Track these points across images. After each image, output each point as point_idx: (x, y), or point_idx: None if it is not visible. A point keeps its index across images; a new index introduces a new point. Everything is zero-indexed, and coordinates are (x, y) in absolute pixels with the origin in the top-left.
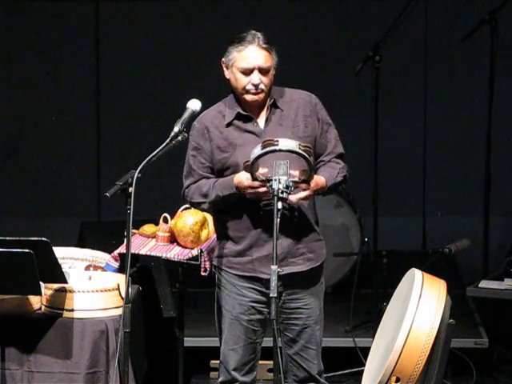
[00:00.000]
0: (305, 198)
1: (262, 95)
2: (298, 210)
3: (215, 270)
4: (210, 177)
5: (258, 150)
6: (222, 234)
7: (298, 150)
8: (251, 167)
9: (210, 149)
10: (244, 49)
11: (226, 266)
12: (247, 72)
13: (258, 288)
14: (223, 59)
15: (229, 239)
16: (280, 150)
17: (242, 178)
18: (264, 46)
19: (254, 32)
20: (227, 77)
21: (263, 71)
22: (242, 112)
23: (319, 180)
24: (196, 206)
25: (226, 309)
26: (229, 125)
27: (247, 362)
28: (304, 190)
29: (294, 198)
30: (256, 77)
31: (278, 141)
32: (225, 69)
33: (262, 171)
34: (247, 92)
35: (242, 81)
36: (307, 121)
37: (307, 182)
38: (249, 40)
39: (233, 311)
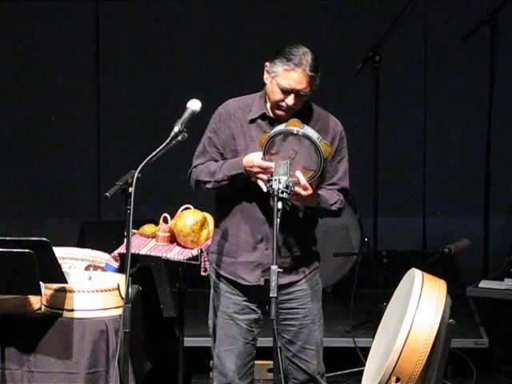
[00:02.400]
0: (297, 194)
1: (290, 113)
2: (292, 228)
3: (210, 269)
4: (219, 160)
5: (280, 127)
6: (217, 228)
7: (316, 140)
8: (267, 142)
9: (226, 136)
10: (289, 70)
11: (216, 264)
12: (285, 91)
13: (243, 291)
14: (267, 63)
15: (222, 236)
16: (298, 133)
17: (253, 156)
18: (309, 73)
19: (304, 51)
20: (265, 81)
21: (300, 95)
22: (267, 113)
23: (317, 192)
24: (200, 184)
25: (220, 309)
26: (252, 121)
27: (244, 364)
28: (303, 188)
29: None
30: (291, 100)
31: (304, 126)
32: (266, 73)
33: (272, 151)
34: (278, 107)
35: (277, 96)
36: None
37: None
38: (296, 62)
39: (227, 311)
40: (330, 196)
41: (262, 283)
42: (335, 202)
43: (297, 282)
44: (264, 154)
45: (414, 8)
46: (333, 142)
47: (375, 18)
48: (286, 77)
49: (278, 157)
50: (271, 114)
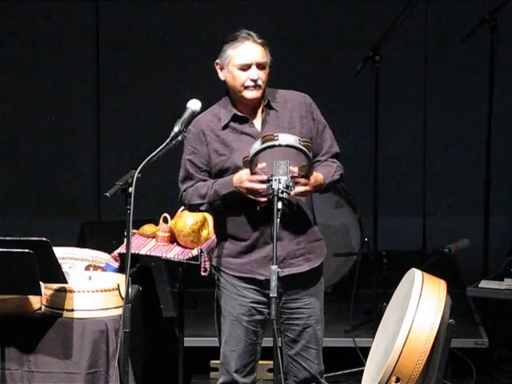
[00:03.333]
0: (303, 193)
1: (260, 92)
2: (297, 210)
3: (215, 270)
4: (207, 180)
5: (257, 145)
6: (222, 235)
7: (297, 145)
8: (250, 162)
9: (207, 152)
10: (240, 45)
11: (225, 267)
12: (245, 68)
13: (257, 289)
14: (217, 60)
15: (228, 240)
16: (280, 145)
17: (241, 173)
18: (259, 41)
19: (246, 30)
20: (222, 78)
21: (260, 67)
22: (237, 113)
23: (318, 176)
24: (194, 208)
25: (226, 310)
26: (225, 127)
27: (248, 363)
28: (303, 185)
29: (292, 192)
30: (254, 72)
31: (277, 136)
32: (219, 70)
33: (260, 166)
34: (246, 88)
35: (240, 78)
36: (303, 121)
37: (307, 177)
38: (243, 36)
39: (233, 312)
40: (329, 168)
41: (282, 274)
42: (335, 171)
43: (316, 269)
44: (251, 172)
45: (414, 8)
46: (308, 115)
47: (375, 18)
48: (240, 53)
49: (266, 167)
50: (239, 113)
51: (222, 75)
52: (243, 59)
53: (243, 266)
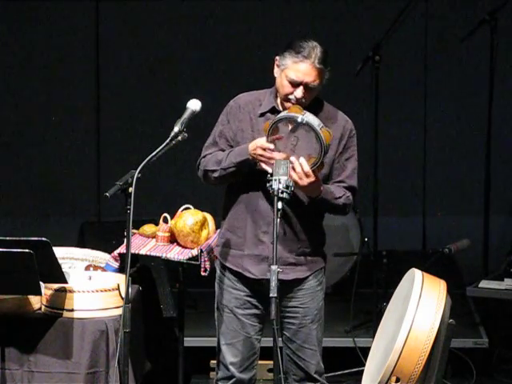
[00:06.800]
0: (300, 179)
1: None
2: (300, 222)
3: (216, 259)
4: None
5: (284, 113)
6: (224, 222)
7: (318, 129)
8: (271, 126)
9: (236, 128)
10: (298, 62)
11: (222, 257)
12: (294, 84)
13: (248, 284)
14: (277, 57)
15: (228, 228)
16: (302, 122)
17: (257, 139)
18: (318, 66)
19: (313, 45)
20: (275, 74)
21: (309, 88)
22: (277, 108)
23: (320, 183)
24: (208, 174)
25: (222, 303)
26: (262, 115)
27: (245, 358)
28: (307, 175)
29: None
30: (300, 92)
31: (305, 112)
32: (276, 67)
33: (276, 137)
34: (287, 100)
35: (286, 89)
36: (333, 142)
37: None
38: (305, 55)
39: (229, 305)
40: (337, 189)
41: (268, 277)
42: (340, 197)
43: (302, 279)
44: (267, 139)
45: (414, 8)
46: (341, 140)
47: (375, 18)
48: (295, 69)
49: (280, 143)
50: (281, 108)
51: (276, 71)
52: (295, 77)
53: (236, 259)
